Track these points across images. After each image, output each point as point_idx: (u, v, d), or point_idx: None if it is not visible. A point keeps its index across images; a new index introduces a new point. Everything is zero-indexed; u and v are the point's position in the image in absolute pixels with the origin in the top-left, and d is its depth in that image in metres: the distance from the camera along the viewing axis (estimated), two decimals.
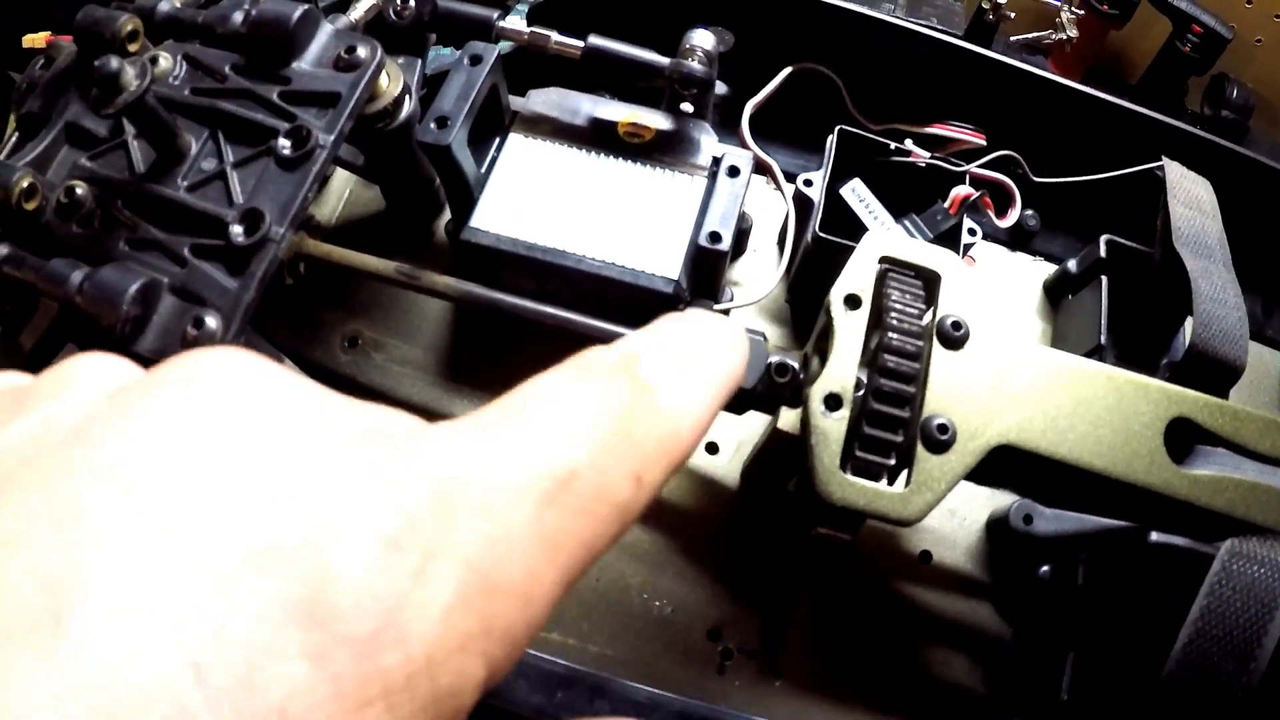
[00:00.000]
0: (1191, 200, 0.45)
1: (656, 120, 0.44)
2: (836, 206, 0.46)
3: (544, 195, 0.42)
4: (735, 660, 0.42)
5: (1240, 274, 0.43)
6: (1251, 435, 0.34)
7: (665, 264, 0.41)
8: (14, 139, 0.39)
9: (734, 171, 0.42)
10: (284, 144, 0.35)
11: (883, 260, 0.35)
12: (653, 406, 0.14)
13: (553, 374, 0.14)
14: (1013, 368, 0.33)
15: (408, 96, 0.41)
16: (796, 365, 0.35)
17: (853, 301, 0.34)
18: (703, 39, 0.43)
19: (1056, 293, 0.52)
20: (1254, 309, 0.55)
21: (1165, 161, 0.46)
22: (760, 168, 0.50)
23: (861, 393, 0.33)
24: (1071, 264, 0.50)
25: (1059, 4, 0.71)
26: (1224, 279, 0.42)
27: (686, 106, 0.45)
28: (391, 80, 0.40)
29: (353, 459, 0.12)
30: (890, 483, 0.32)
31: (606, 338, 0.37)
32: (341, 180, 0.52)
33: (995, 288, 0.53)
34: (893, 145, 0.47)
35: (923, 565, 0.44)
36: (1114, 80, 0.75)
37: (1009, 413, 0.33)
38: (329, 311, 0.48)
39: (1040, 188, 0.52)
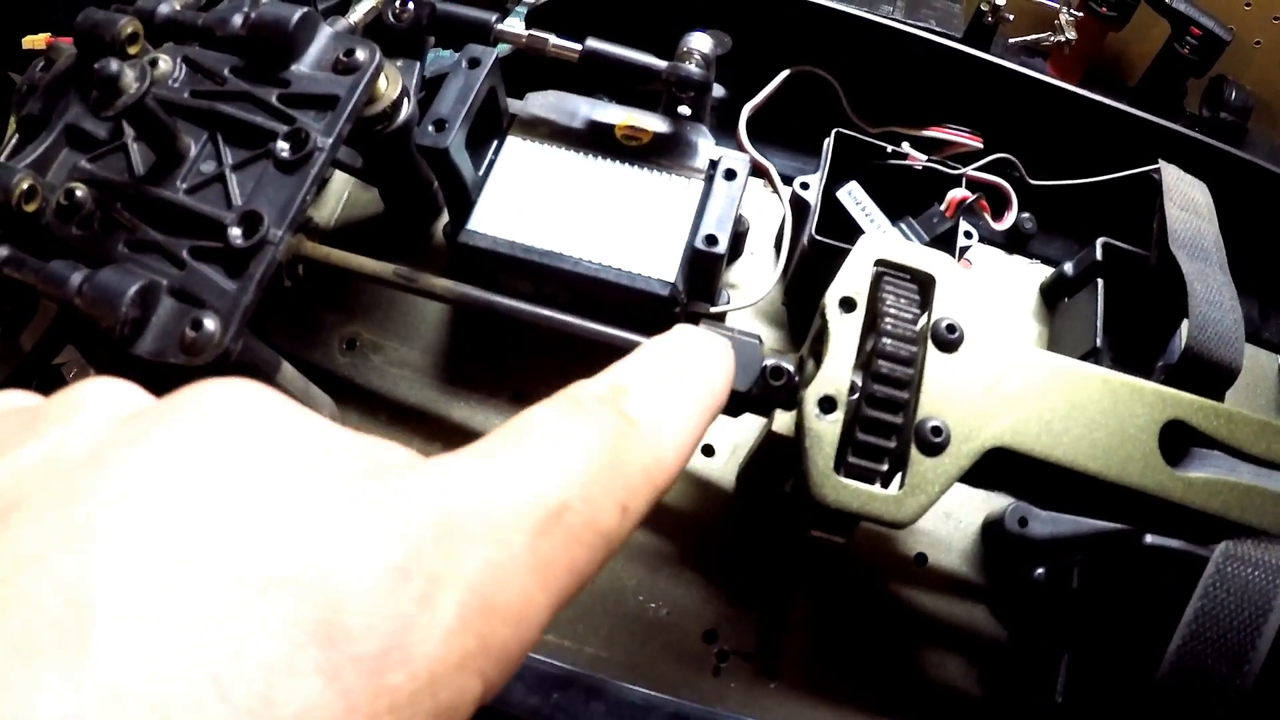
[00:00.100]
0: (1188, 203, 0.45)
1: (654, 123, 0.44)
2: (833, 209, 0.46)
3: (541, 198, 0.42)
4: (731, 662, 0.42)
5: (1237, 277, 0.43)
6: (1246, 438, 0.34)
7: (662, 267, 0.41)
8: (14, 141, 0.39)
9: (730, 174, 0.42)
10: (282, 146, 0.35)
11: (878, 263, 0.35)
12: (637, 438, 0.15)
13: (544, 407, 0.15)
14: (1007, 370, 0.33)
15: (406, 99, 0.41)
16: (791, 368, 0.35)
17: (847, 304, 0.34)
18: (700, 42, 0.43)
19: (1053, 295, 0.52)
20: (1250, 312, 0.55)
21: (1161, 164, 0.47)
22: (757, 170, 0.50)
23: (856, 396, 0.33)
24: (1068, 266, 0.51)
25: (1058, 6, 0.71)
26: (1219, 282, 0.42)
27: (684, 109, 0.45)
28: (390, 83, 0.40)
29: (360, 490, 0.12)
30: (884, 485, 0.32)
31: (603, 340, 0.38)
32: (340, 182, 0.52)
33: (992, 290, 0.53)
34: (889, 148, 0.47)
35: (918, 567, 0.44)
36: (1113, 82, 0.75)
37: (1003, 415, 0.33)
38: (327, 313, 0.48)
39: (1037, 190, 0.52)
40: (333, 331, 0.48)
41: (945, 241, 0.46)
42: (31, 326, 0.38)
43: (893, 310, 0.33)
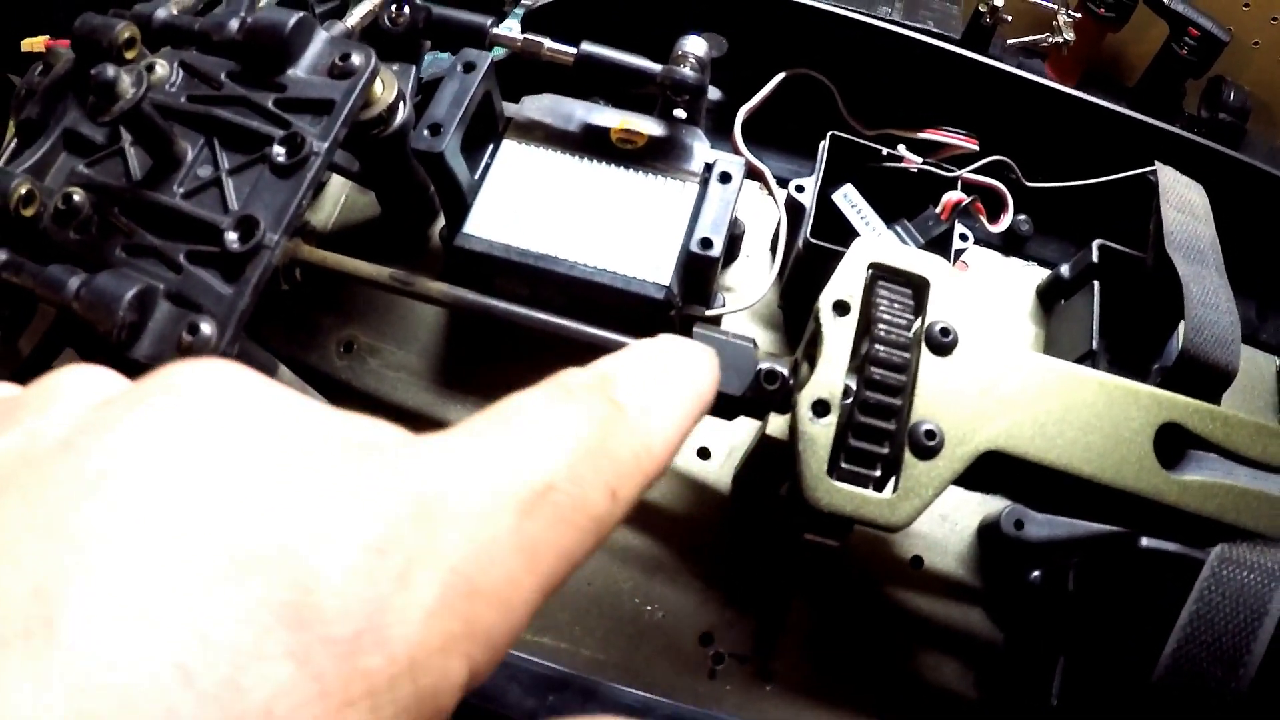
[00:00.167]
0: (1184, 205, 0.45)
1: (649, 126, 0.44)
2: (828, 212, 0.47)
3: (537, 201, 0.43)
4: (727, 664, 0.42)
5: (1234, 278, 0.43)
6: (1242, 440, 0.34)
7: (657, 270, 0.41)
8: (13, 145, 0.39)
9: (726, 177, 0.42)
10: (279, 151, 0.35)
11: (872, 267, 0.35)
12: (626, 424, 0.14)
13: (532, 392, 0.14)
14: (1001, 374, 0.33)
15: (402, 103, 0.41)
16: (786, 371, 0.35)
17: (841, 308, 0.34)
18: (695, 45, 0.43)
19: (1049, 298, 0.52)
20: (1248, 313, 0.55)
21: (1158, 166, 0.46)
22: (752, 173, 0.50)
23: (850, 399, 0.33)
24: (1064, 269, 0.51)
25: (1056, 7, 0.71)
26: (1216, 284, 0.42)
27: (679, 113, 0.45)
28: (386, 87, 0.40)
29: (337, 467, 0.12)
30: (878, 489, 0.32)
31: (598, 343, 0.38)
32: (338, 185, 0.52)
33: (988, 293, 0.53)
34: (884, 151, 0.48)
35: (914, 570, 0.44)
36: (1111, 83, 0.75)
37: (997, 418, 0.33)
38: (325, 317, 0.48)
39: (1033, 192, 0.52)
40: (330, 335, 0.48)
41: (941, 244, 0.46)
42: (30, 330, 0.38)
43: (886, 314, 0.33)
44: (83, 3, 0.40)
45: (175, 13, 0.40)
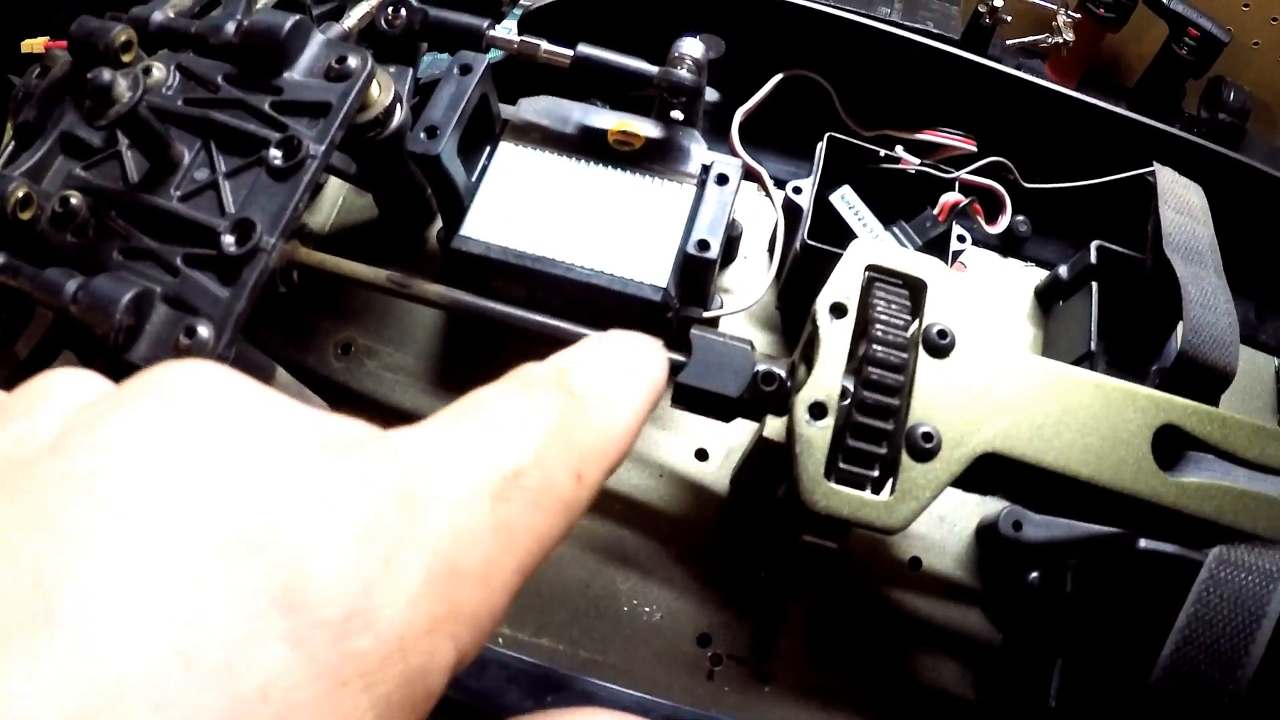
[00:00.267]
0: (1183, 205, 0.45)
1: (646, 128, 0.44)
2: (826, 214, 0.46)
3: (534, 203, 0.43)
4: (724, 666, 0.42)
5: (1232, 279, 0.43)
6: (1240, 442, 0.34)
7: (654, 272, 0.41)
8: (10, 148, 0.39)
9: (723, 179, 0.42)
10: (275, 154, 0.35)
11: (869, 268, 0.35)
12: (584, 412, 0.15)
13: (494, 387, 0.15)
14: (999, 375, 0.33)
15: (399, 105, 0.41)
16: (783, 373, 0.35)
17: (838, 310, 0.34)
18: (691, 47, 0.43)
19: (1047, 299, 0.52)
20: (1247, 314, 0.55)
21: (1156, 167, 0.46)
22: (750, 175, 0.50)
23: (847, 401, 0.33)
24: (1062, 270, 0.50)
25: (1055, 7, 0.71)
26: (1214, 285, 0.42)
27: (676, 114, 0.45)
28: (382, 90, 0.40)
29: (321, 461, 0.13)
30: (876, 491, 0.32)
31: None
32: (335, 188, 0.52)
33: (986, 294, 0.53)
34: (882, 152, 0.47)
35: (912, 571, 0.44)
36: (1111, 84, 0.75)
37: (994, 420, 0.33)
38: (322, 319, 0.48)
39: (1031, 193, 0.52)
40: (327, 337, 0.48)
41: (939, 245, 0.46)
42: (27, 334, 0.38)
43: (884, 316, 0.33)
44: (82, 4, 0.40)
45: (172, 15, 0.40)
